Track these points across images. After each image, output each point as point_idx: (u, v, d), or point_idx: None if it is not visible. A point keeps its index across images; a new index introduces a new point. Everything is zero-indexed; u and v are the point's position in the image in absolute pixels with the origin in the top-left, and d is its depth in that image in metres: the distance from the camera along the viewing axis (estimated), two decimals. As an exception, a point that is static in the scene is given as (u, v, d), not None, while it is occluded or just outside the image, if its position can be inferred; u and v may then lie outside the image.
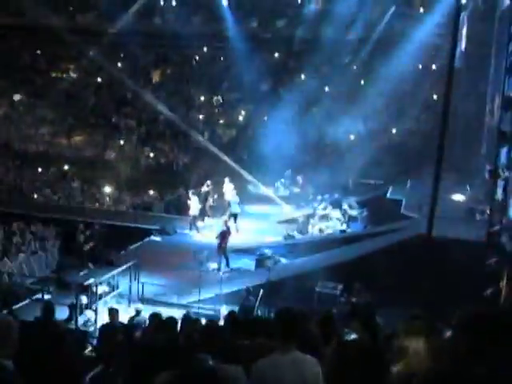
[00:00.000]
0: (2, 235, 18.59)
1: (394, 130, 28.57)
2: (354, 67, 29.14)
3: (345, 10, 27.53)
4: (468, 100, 23.05)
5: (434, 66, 28.47)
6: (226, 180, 22.44)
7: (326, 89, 29.97)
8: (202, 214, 21.56)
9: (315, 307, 12.37)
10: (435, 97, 27.77)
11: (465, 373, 2.75)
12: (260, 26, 32.03)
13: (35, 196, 25.20)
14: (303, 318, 4.85)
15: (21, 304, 14.45)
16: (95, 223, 20.16)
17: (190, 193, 21.18)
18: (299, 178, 24.18)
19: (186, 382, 3.08)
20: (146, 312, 11.22)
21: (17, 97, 33.05)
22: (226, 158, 26.86)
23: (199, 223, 21.11)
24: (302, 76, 32.06)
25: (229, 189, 22.08)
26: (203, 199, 21.69)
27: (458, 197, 19.54)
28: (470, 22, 21.80)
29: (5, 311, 12.15)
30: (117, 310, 10.78)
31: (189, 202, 20.89)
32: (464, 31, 17.12)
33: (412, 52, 25.76)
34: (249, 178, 25.69)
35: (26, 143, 30.37)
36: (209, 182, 22.54)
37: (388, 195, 21.93)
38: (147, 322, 9.77)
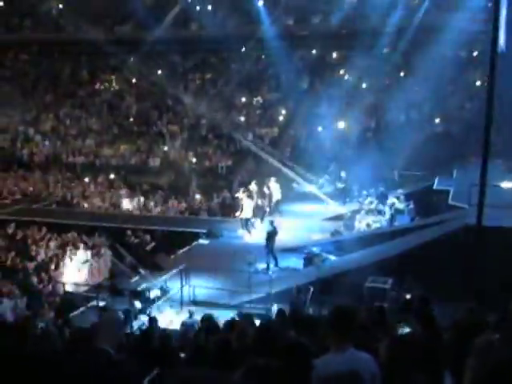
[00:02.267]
0: (56, 245, 19.06)
1: (437, 120, 28.14)
2: (394, 58, 28.74)
3: (381, 1, 27.32)
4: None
5: (475, 53, 27.93)
6: (272, 180, 22.48)
7: (366, 82, 29.70)
8: (257, 214, 21.52)
9: (366, 303, 12.28)
10: (478, 83, 27.25)
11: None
12: (296, 24, 32.01)
13: (85, 205, 25.74)
14: (357, 315, 4.84)
15: (76, 312, 14.82)
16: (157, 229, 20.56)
17: (244, 195, 20.99)
18: (343, 174, 24.05)
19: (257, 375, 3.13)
20: (198, 314, 11.38)
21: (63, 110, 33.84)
22: (269, 157, 27.03)
23: (257, 223, 21.08)
24: (341, 71, 31.92)
25: (275, 188, 22.17)
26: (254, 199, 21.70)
27: (508, 184, 19.17)
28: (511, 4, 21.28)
29: (60, 320, 12.52)
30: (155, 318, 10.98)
31: (241, 202, 20.87)
32: (504, 14, 16.68)
33: (452, 39, 25.32)
34: (293, 176, 25.76)
35: (74, 155, 31.08)
36: (254, 182, 22.55)
37: (435, 186, 21.61)
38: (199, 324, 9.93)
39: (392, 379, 3.89)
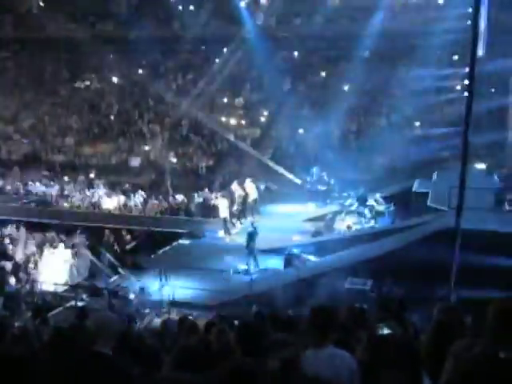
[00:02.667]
0: (34, 245, 18.89)
1: (417, 123, 28.34)
2: (374, 61, 28.87)
3: (362, 4, 27.47)
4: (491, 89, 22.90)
5: (455, 57, 28.17)
6: (248, 180, 22.50)
7: (348, 85, 29.82)
8: (236, 215, 21.60)
9: (345, 304, 12.32)
10: (458, 87, 27.49)
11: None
12: (278, 25, 32.04)
13: (64, 205, 25.53)
14: (336, 314, 4.87)
15: (54, 312, 14.68)
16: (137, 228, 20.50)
17: (219, 195, 21.16)
18: (324, 175, 24.12)
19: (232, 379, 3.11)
20: (177, 315, 11.33)
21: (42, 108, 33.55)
22: (257, 155, 27.23)
23: (237, 225, 21.12)
24: (323, 73, 32.02)
25: (251, 189, 22.18)
26: (235, 201, 21.73)
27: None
28: (491, 10, 21.58)
29: (38, 319, 12.39)
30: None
31: (217, 203, 20.94)
32: (484, 20, 16.90)
33: (433, 43, 25.54)
34: (283, 172, 25.93)
35: (53, 153, 30.82)
36: (235, 183, 22.56)
37: (414, 188, 21.77)
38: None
39: (371, 378, 3.89)
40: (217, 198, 21.58)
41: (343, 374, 4.07)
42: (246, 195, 22.15)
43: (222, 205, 20.74)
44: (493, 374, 2.89)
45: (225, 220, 20.66)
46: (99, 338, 4.23)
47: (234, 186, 22.10)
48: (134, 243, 19.42)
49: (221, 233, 20.73)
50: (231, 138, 29.63)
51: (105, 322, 4.42)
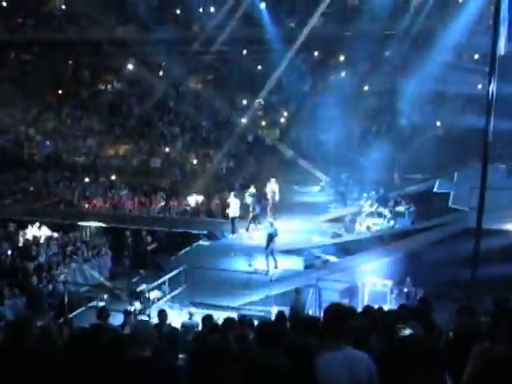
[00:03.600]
0: (57, 245, 19.10)
1: (438, 123, 28.15)
2: (396, 61, 28.72)
3: (382, 4, 27.34)
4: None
5: (476, 56, 27.95)
6: (272, 181, 22.51)
7: (368, 85, 29.72)
8: (254, 217, 21.64)
9: (365, 304, 12.29)
10: (480, 86, 27.24)
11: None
12: (297, 26, 32.01)
13: (86, 206, 25.77)
14: (352, 314, 4.85)
15: (76, 312, 14.84)
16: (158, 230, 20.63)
17: (232, 195, 21.28)
18: (344, 176, 24.05)
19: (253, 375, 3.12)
20: (198, 315, 11.38)
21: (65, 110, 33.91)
22: (271, 158, 27.29)
23: (252, 227, 21.18)
24: (342, 73, 31.95)
25: (275, 189, 22.20)
26: (254, 201, 21.74)
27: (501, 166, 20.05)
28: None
29: (60, 319, 12.55)
30: (165, 313, 10.95)
31: (230, 203, 21.07)
32: (506, 16, 16.69)
33: (453, 42, 25.36)
34: (310, 168, 25.95)
35: (75, 155, 31.14)
36: (253, 185, 22.59)
37: (435, 189, 21.62)
38: (200, 325, 9.94)
39: (392, 380, 3.90)
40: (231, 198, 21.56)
41: (361, 375, 4.03)
42: (271, 195, 22.21)
43: (233, 205, 20.82)
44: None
45: (233, 219, 20.78)
46: (138, 343, 4.30)
47: (251, 189, 22.07)
48: (154, 244, 19.50)
49: (242, 231, 20.86)
50: (250, 138, 29.71)
51: (143, 327, 4.51)
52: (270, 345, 4.25)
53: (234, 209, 20.83)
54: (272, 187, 22.29)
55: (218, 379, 3.71)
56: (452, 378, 4.14)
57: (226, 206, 21.78)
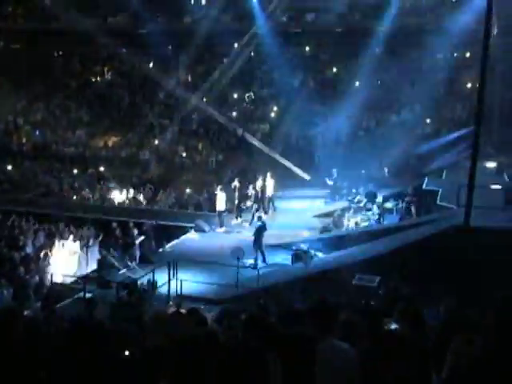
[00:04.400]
0: (44, 236, 19.01)
1: (428, 120, 28.26)
2: (387, 58, 28.77)
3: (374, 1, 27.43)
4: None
5: (467, 54, 28.07)
6: (268, 175, 22.53)
7: (358, 81, 29.76)
8: (237, 210, 21.79)
9: (353, 300, 12.35)
10: (469, 85, 27.42)
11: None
12: (290, 21, 31.99)
13: (74, 197, 25.66)
14: (338, 307, 4.88)
15: (63, 303, 14.79)
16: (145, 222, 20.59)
17: (218, 189, 21.36)
18: (334, 171, 24.09)
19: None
20: (185, 308, 11.36)
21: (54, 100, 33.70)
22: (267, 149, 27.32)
23: (233, 221, 21.34)
24: (334, 69, 31.99)
25: (270, 184, 22.25)
26: (235, 195, 21.84)
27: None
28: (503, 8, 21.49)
29: (47, 310, 12.49)
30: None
31: (217, 197, 21.15)
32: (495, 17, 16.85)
33: (445, 40, 25.46)
34: (290, 166, 25.99)
35: (64, 145, 30.97)
36: (237, 178, 22.62)
37: (424, 186, 21.72)
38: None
39: (375, 373, 3.92)
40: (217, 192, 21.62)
41: (342, 366, 4.07)
42: (263, 189, 22.26)
43: (220, 198, 20.86)
44: (492, 370, 2.91)
45: (220, 213, 20.86)
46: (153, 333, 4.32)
47: (237, 181, 22.09)
48: (141, 237, 19.46)
49: (233, 220, 21.17)
50: (240, 132, 29.68)
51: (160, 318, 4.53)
52: (257, 334, 4.25)
53: (220, 202, 20.89)
54: (268, 182, 22.34)
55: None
56: (436, 373, 4.17)
57: (214, 199, 21.81)
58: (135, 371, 4.24)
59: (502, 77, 23.64)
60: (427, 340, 4.85)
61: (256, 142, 28.51)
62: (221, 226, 20.82)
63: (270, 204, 22.42)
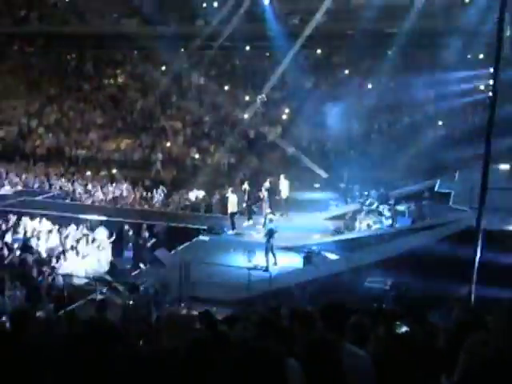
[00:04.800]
0: (58, 238, 19.12)
1: (440, 122, 28.16)
2: (399, 60, 28.67)
3: (387, 2, 27.32)
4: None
5: (481, 55, 27.91)
6: (282, 177, 22.52)
7: (370, 83, 29.71)
8: (247, 212, 21.81)
9: (364, 303, 12.32)
10: (482, 87, 27.26)
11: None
12: (301, 23, 31.97)
13: (87, 199, 25.79)
14: (350, 311, 4.86)
15: (75, 304, 14.86)
16: (156, 224, 20.67)
17: (229, 191, 21.37)
18: (345, 175, 24.04)
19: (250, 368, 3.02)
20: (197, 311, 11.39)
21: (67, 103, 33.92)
22: (272, 155, 27.26)
23: (245, 223, 21.34)
24: (346, 71, 31.94)
25: (284, 186, 22.24)
26: (245, 198, 21.84)
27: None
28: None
29: (61, 312, 12.57)
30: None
31: (228, 200, 21.18)
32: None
33: (458, 42, 25.36)
34: (310, 165, 25.95)
35: (77, 148, 31.16)
36: (247, 181, 22.66)
37: (436, 188, 21.61)
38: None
39: (386, 376, 3.90)
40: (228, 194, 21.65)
41: (357, 372, 4.02)
42: (279, 191, 22.27)
43: (232, 200, 20.91)
44: (506, 372, 2.90)
45: (232, 215, 20.90)
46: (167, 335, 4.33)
47: (247, 184, 22.09)
48: (153, 240, 19.51)
49: (245, 222, 21.29)
50: (252, 135, 29.73)
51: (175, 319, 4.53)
52: (272, 336, 4.24)
53: (232, 204, 20.90)
54: (282, 184, 22.34)
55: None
56: (447, 376, 4.14)
57: (225, 201, 21.84)
58: (148, 372, 4.26)
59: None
60: (437, 342, 4.83)
61: (275, 139, 28.48)
62: (233, 229, 20.84)
63: (284, 206, 22.36)
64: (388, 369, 4.06)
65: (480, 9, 24.43)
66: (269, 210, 21.05)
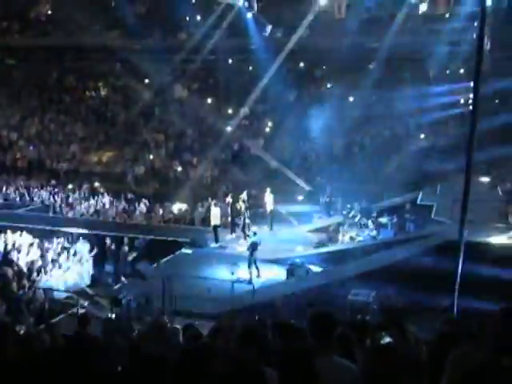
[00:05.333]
0: (38, 251, 18.91)
1: (422, 135, 28.40)
2: (380, 73, 28.91)
3: (369, 17, 27.61)
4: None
5: (461, 71, 28.24)
6: (268, 190, 22.51)
7: (352, 96, 29.93)
8: (230, 225, 21.83)
9: (348, 315, 12.31)
10: (462, 101, 27.57)
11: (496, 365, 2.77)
12: (284, 37, 32.13)
13: (68, 212, 25.59)
14: (338, 321, 4.84)
15: (57, 318, 14.69)
16: (138, 237, 20.56)
17: (213, 204, 21.40)
18: (328, 188, 24.13)
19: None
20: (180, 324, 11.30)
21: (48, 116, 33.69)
22: (254, 167, 27.27)
23: (228, 236, 21.33)
24: (328, 84, 32.14)
25: (269, 200, 22.19)
26: (228, 211, 21.87)
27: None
28: (494, 25, 21.70)
29: (41, 326, 12.40)
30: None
31: (211, 212, 21.19)
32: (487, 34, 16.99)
33: (438, 57, 25.67)
34: (294, 178, 26.03)
35: (58, 161, 30.92)
36: (230, 193, 22.67)
37: (418, 201, 21.76)
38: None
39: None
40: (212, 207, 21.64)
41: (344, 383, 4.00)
42: (265, 204, 22.29)
43: (215, 213, 20.89)
44: (493, 381, 2.90)
45: (215, 228, 20.87)
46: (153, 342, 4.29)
47: (230, 197, 22.10)
48: (134, 254, 19.38)
49: (228, 235, 21.24)
50: (236, 147, 29.74)
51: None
52: (253, 347, 4.21)
53: (215, 217, 20.89)
54: (267, 197, 22.32)
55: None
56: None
57: (208, 214, 21.82)
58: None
59: (495, 91, 23.80)
60: (421, 352, 4.83)
61: (259, 151, 28.56)
62: (216, 241, 20.79)
63: (270, 219, 22.35)
64: (374, 381, 4.03)
65: (461, 22, 24.80)
66: (248, 221, 21.07)
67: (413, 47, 27.19)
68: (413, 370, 4.00)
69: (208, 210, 22.86)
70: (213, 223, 20.95)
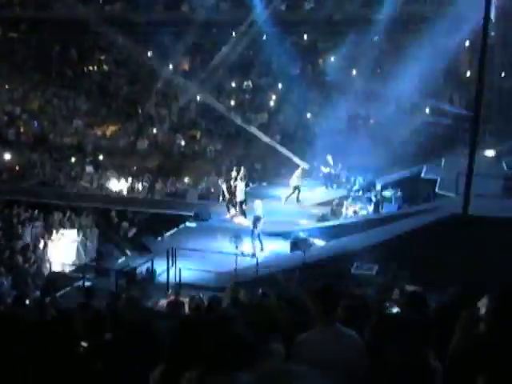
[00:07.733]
0: (42, 225, 18.99)
1: (427, 109, 28.22)
2: (385, 46, 28.61)
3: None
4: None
5: (467, 43, 27.95)
6: (300, 168, 22.32)
7: (356, 69, 29.69)
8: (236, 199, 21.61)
9: (351, 288, 12.37)
10: (468, 74, 27.34)
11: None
12: (288, 9, 31.80)
13: (72, 186, 25.62)
14: (341, 293, 4.85)
15: (62, 292, 14.81)
16: (140, 211, 20.57)
17: (238, 179, 20.93)
18: (329, 158, 23.95)
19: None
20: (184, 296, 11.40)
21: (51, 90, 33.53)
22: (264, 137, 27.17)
23: (232, 210, 21.11)
24: (332, 58, 31.87)
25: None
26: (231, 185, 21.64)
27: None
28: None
29: (47, 299, 12.52)
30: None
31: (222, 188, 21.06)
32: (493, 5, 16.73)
33: (444, 29, 25.33)
34: (289, 155, 25.82)
35: (61, 135, 30.84)
36: (235, 168, 22.37)
37: (422, 175, 21.71)
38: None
39: (378, 356, 3.91)
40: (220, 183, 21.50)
41: (350, 354, 4.01)
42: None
43: (238, 187, 20.56)
44: (497, 350, 2.92)
45: (241, 202, 20.42)
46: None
47: (235, 171, 21.79)
48: (134, 229, 19.45)
49: (228, 215, 20.79)
50: (239, 121, 29.59)
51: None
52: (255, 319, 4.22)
53: (240, 191, 20.49)
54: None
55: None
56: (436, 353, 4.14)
57: (214, 188, 21.77)
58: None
59: (501, 65, 23.60)
60: (429, 322, 4.84)
61: (254, 131, 28.37)
62: (245, 217, 20.18)
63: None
64: (379, 349, 4.06)
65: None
66: (243, 197, 20.62)
67: (418, 18, 26.83)
68: (418, 338, 4.01)
69: (217, 184, 22.71)
70: (239, 199, 20.54)
